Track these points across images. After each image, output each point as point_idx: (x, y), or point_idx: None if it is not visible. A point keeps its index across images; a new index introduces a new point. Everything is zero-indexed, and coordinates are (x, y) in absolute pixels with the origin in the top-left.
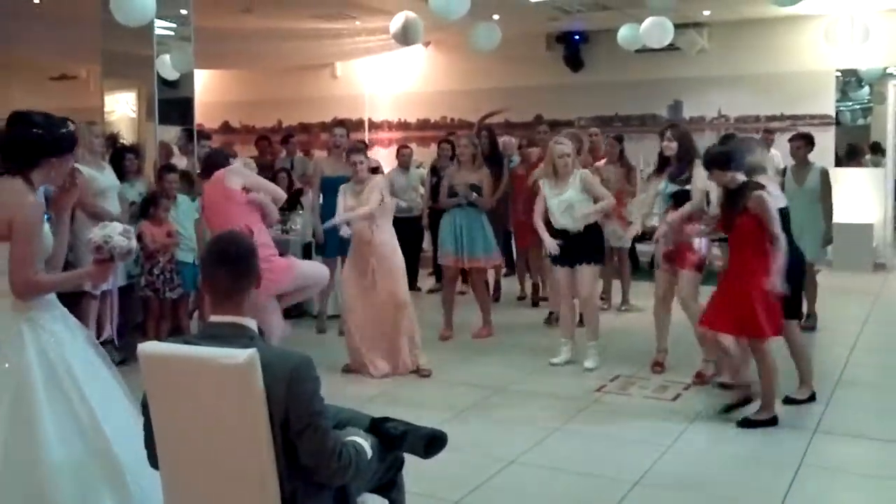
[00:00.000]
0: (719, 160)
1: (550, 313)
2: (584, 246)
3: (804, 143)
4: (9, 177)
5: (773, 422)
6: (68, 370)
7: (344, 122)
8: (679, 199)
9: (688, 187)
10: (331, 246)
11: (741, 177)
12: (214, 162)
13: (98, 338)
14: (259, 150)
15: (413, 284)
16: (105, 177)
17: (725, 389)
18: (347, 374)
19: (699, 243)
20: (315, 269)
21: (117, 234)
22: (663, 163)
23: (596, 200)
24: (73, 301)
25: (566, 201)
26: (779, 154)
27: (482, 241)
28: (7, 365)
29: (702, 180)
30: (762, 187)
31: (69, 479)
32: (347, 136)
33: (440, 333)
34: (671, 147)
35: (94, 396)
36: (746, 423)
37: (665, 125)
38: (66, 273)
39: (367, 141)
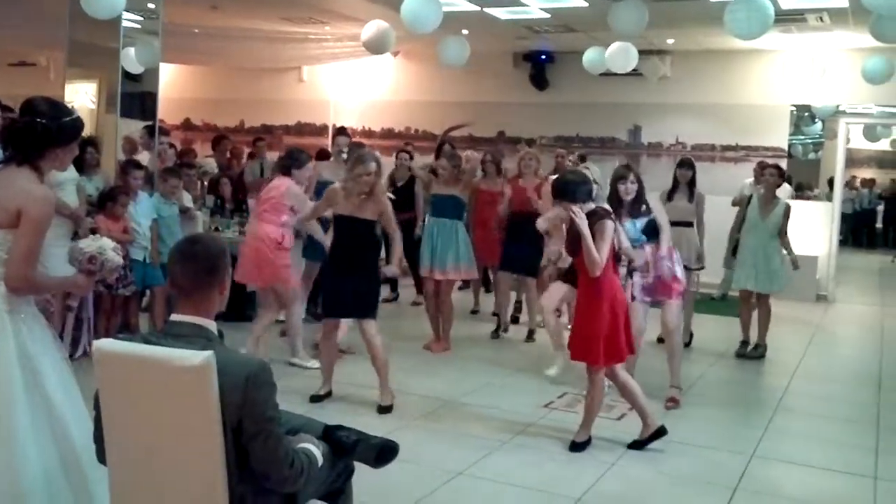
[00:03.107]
0: (568, 192)
1: (498, 326)
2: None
3: (778, 173)
4: (15, 166)
5: (589, 442)
6: (44, 370)
7: (346, 130)
8: (650, 231)
9: (653, 216)
10: (319, 249)
11: (590, 205)
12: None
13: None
14: (216, 150)
15: None
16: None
17: None
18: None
19: (680, 272)
20: None
21: (110, 248)
22: (618, 204)
23: None
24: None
25: None
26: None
27: (454, 253)
28: None
29: (661, 210)
30: (609, 215)
31: (41, 486)
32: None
33: (428, 344)
34: (632, 189)
35: (64, 401)
36: (574, 447)
37: (624, 169)
38: (59, 277)
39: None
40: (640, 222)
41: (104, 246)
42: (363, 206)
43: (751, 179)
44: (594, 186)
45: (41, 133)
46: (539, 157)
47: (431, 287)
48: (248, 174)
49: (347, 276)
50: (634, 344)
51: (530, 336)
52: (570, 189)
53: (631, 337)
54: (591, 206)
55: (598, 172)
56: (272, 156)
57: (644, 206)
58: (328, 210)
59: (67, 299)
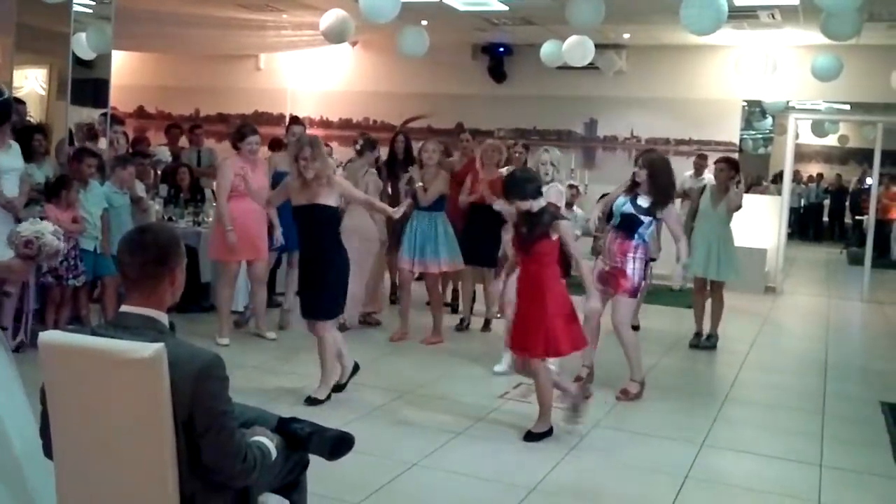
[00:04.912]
0: (517, 190)
1: (462, 320)
2: None
3: (727, 166)
4: None
5: (549, 433)
6: None
7: (300, 119)
8: (627, 222)
9: (644, 218)
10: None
11: (541, 202)
12: None
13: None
14: (168, 138)
15: None
16: (8, 156)
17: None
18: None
19: (632, 270)
20: None
21: (49, 232)
22: (634, 185)
23: None
24: None
25: None
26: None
27: (434, 246)
28: None
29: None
30: (561, 215)
31: None
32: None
33: (393, 335)
34: (641, 175)
35: (2, 396)
36: (529, 437)
37: (641, 151)
38: None
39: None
40: (629, 208)
41: (42, 230)
42: (319, 192)
43: (690, 172)
44: (550, 168)
45: None
46: (503, 150)
47: (408, 279)
48: (184, 161)
49: (311, 273)
50: (589, 330)
51: (486, 325)
52: (518, 187)
53: (575, 333)
54: (542, 202)
55: (558, 155)
56: (210, 143)
57: (659, 210)
58: (282, 199)
59: (4, 286)
